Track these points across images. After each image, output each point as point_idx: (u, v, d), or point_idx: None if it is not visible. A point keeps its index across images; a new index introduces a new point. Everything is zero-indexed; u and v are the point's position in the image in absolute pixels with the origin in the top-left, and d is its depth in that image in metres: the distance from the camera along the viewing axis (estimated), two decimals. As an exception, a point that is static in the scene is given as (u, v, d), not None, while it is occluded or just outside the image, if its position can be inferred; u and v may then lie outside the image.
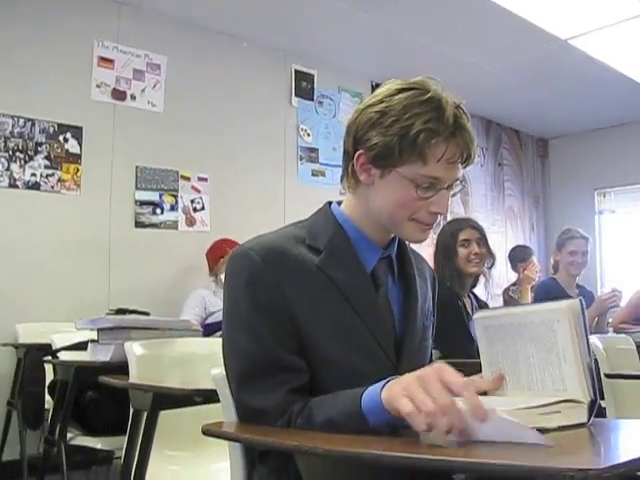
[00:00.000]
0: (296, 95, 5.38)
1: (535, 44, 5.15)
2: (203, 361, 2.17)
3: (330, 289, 1.18)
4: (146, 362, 2.13)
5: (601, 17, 4.68)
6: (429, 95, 1.18)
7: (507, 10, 4.54)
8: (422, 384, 0.94)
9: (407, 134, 1.15)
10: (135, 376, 2.06)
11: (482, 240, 3.07)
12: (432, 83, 1.22)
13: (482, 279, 3.16)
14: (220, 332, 1.26)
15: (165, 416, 1.92)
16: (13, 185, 3.97)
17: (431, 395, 0.92)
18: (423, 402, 0.92)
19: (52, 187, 4.11)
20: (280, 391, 1.12)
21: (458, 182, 1.25)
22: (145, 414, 1.81)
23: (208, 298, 4.15)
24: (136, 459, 1.84)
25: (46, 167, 4.10)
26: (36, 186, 4.05)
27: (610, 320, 4.43)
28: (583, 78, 5.90)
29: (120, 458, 3.20)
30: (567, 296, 3.78)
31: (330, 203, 1.33)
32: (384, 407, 0.99)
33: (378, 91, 1.24)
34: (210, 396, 1.53)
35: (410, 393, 0.94)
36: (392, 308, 1.27)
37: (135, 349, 2.14)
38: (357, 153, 1.23)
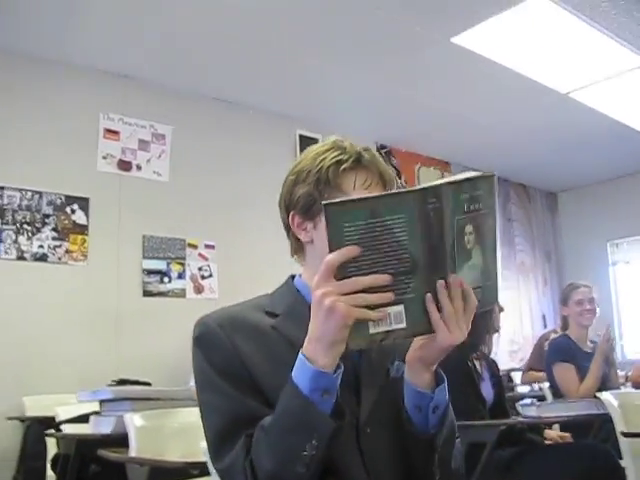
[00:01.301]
0: (301, 159, 5.42)
1: (535, 99, 5.20)
2: (205, 431, 2.13)
3: (285, 346, 1.17)
4: (146, 434, 2.08)
5: (599, 70, 4.74)
6: (332, 143, 1.30)
7: (506, 67, 4.61)
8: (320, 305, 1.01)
9: (320, 176, 1.25)
10: (135, 448, 2.01)
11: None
12: (337, 140, 1.32)
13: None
14: None
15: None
16: (21, 257, 3.99)
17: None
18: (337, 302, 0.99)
19: (59, 258, 4.13)
20: (243, 440, 1.12)
21: None
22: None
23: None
24: (134, 536, 1.78)
25: (53, 239, 4.13)
26: (44, 258, 4.07)
27: (629, 374, 4.33)
28: (586, 130, 5.93)
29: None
30: (581, 352, 3.69)
31: (293, 277, 1.38)
32: (311, 363, 1.03)
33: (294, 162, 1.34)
34: (206, 469, 1.49)
35: (329, 316, 1.00)
36: (354, 361, 1.25)
37: (135, 420, 2.10)
38: (290, 216, 1.29)
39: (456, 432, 1.23)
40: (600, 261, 7.44)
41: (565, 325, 3.81)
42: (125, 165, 4.49)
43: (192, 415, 2.28)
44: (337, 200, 1.01)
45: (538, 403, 2.87)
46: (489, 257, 1.11)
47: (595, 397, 2.72)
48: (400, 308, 1.04)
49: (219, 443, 1.16)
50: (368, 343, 1.05)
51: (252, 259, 4.92)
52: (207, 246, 4.78)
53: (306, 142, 5.49)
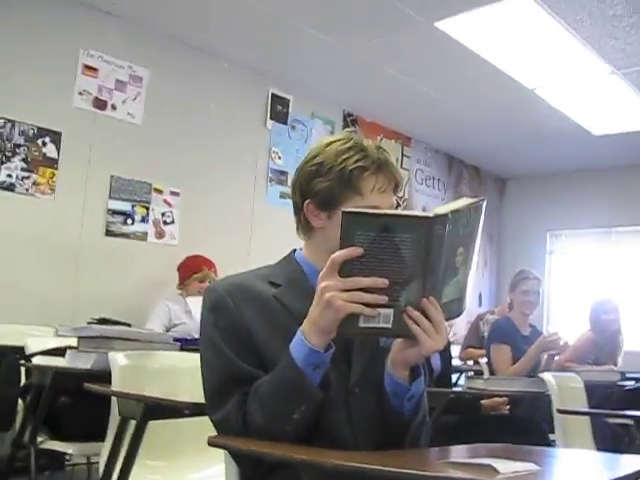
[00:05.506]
0: (271, 118, 5.51)
1: (502, 90, 5.41)
2: (183, 374, 2.27)
3: (284, 315, 1.35)
4: (129, 372, 2.20)
5: (566, 72, 4.97)
6: (352, 142, 1.42)
7: (480, 57, 4.77)
8: (324, 298, 1.18)
9: (342, 175, 1.38)
10: (118, 385, 2.13)
11: None
12: (352, 134, 1.47)
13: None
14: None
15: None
16: (-12, 185, 3.99)
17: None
18: (336, 298, 1.17)
19: (27, 190, 4.13)
20: (237, 397, 1.29)
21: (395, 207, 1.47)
22: (132, 423, 1.88)
23: (174, 310, 4.22)
24: (119, 468, 1.90)
25: (22, 169, 4.13)
26: (11, 187, 4.07)
27: (556, 358, 4.64)
28: (544, 126, 6.21)
29: (86, 464, 3.25)
30: (520, 335, 3.97)
31: (295, 250, 1.53)
32: (308, 342, 1.21)
33: (311, 149, 1.47)
34: (197, 410, 1.62)
35: (330, 306, 1.17)
36: None
37: (119, 359, 2.21)
38: (305, 203, 1.42)
39: (427, 415, 1.41)
40: (538, 249, 7.80)
41: (511, 306, 4.11)
42: (100, 103, 4.48)
43: (170, 358, 2.43)
44: (357, 210, 1.19)
45: (484, 377, 3.13)
46: (469, 271, 1.28)
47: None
48: (390, 311, 1.20)
49: (215, 398, 1.33)
50: (356, 334, 1.25)
51: (214, 210, 5.01)
52: (172, 193, 4.84)
53: (277, 101, 5.57)
